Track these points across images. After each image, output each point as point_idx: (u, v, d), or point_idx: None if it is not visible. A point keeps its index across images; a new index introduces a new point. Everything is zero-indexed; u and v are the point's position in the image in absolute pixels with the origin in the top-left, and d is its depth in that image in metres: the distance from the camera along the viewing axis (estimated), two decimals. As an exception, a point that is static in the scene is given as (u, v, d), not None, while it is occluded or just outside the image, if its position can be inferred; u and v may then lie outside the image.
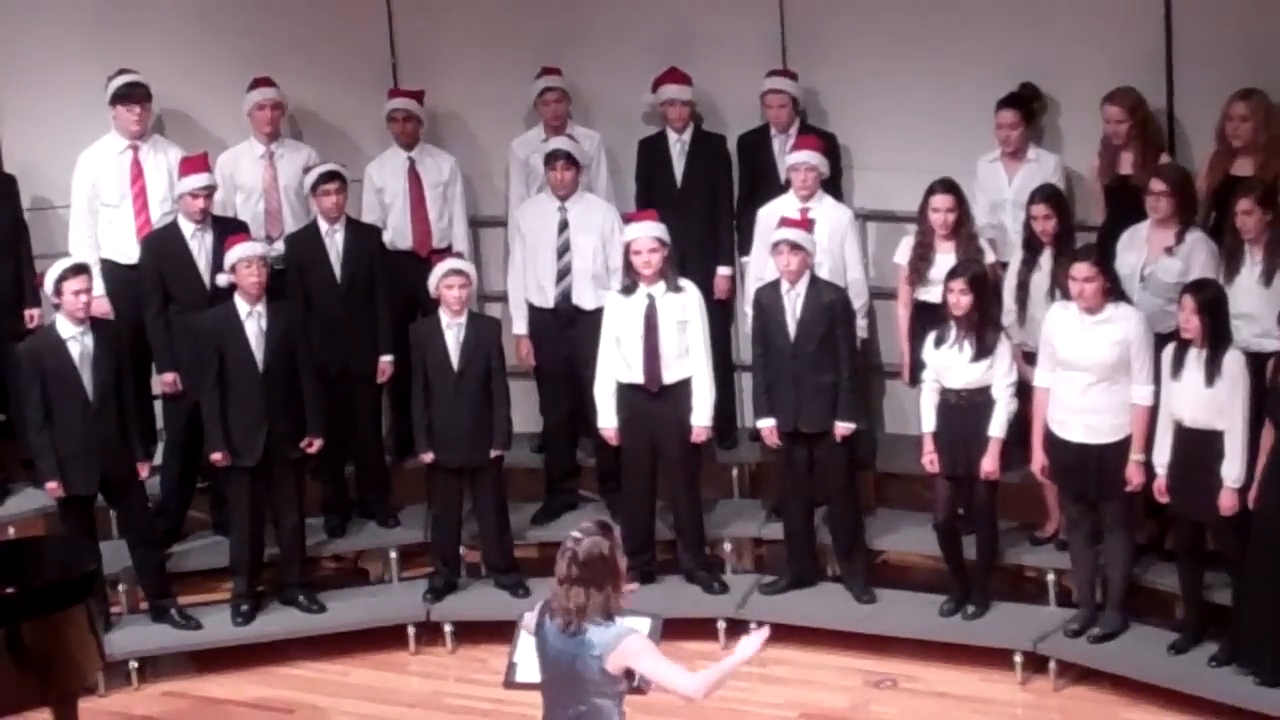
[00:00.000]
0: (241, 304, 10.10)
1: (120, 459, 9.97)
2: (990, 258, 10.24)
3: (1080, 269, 9.46)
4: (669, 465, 10.31)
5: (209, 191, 10.52)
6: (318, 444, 10.29)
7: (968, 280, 9.72)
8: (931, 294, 10.18)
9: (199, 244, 10.49)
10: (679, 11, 11.33)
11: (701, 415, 10.23)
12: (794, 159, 10.49)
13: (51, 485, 9.94)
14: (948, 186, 10.22)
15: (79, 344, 9.84)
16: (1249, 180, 9.64)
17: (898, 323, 10.60)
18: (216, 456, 10.15)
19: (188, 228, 10.51)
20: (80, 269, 9.87)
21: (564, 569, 6.82)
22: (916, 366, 10.17)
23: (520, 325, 10.97)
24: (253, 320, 10.10)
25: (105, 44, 11.09)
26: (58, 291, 9.79)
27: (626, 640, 6.82)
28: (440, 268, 10.32)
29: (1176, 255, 9.71)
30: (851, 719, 9.70)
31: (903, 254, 10.47)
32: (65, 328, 9.84)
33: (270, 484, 10.24)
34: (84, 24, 11.18)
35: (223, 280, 10.31)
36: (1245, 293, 9.42)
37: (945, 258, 10.18)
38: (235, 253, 10.09)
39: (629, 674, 6.90)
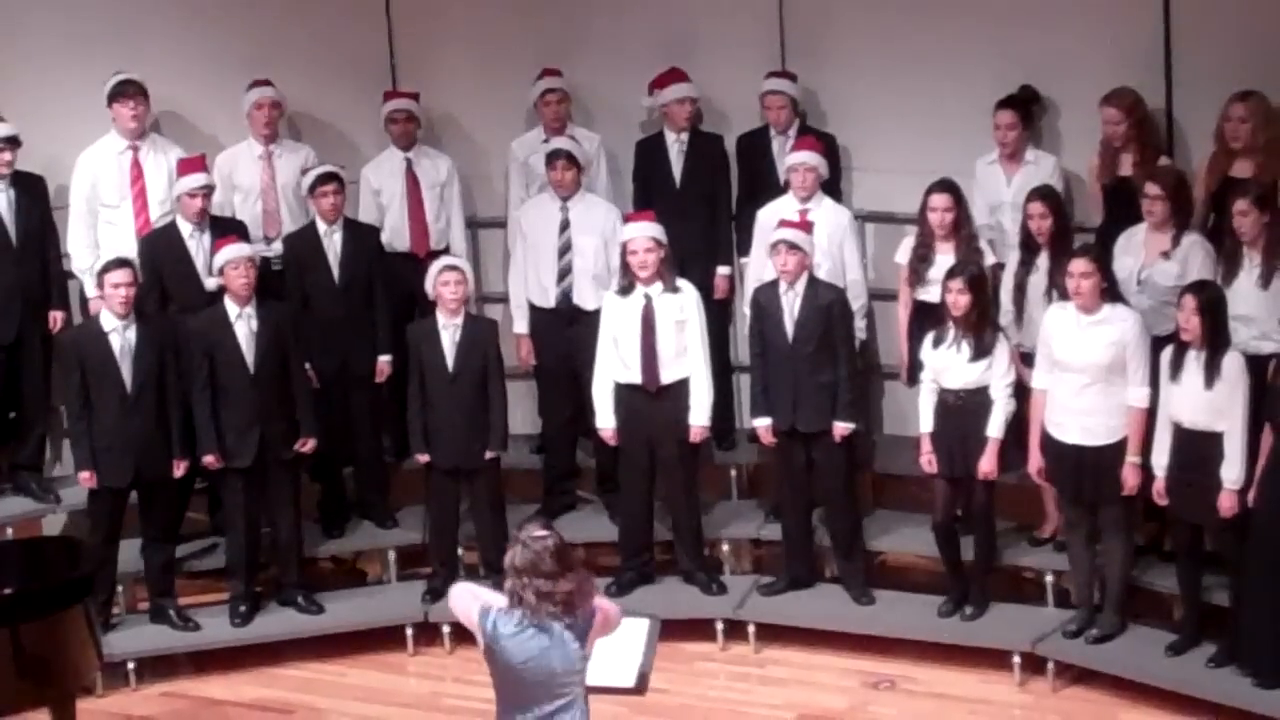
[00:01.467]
0: (231, 306, 10.10)
1: (156, 454, 10.01)
2: (990, 259, 10.23)
3: (1078, 264, 9.45)
4: (667, 466, 10.31)
5: (207, 191, 10.52)
6: (311, 444, 10.30)
7: (966, 280, 9.73)
8: (931, 294, 10.18)
9: (197, 244, 10.48)
10: (678, 13, 11.33)
11: (699, 415, 10.23)
12: (793, 159, 10.49)
13: (84, 475, 9.99)
14: (945, 186, 10.23)
15: (120, 337, 9.90)
16: (1245, 182, 9.64)
17: (898, 323, 10.60)
18: (209, 459, 10.15)
19: (186, 228, 10.51)
20: (123, 262, 9.97)
21: (552, 564, 6.82)
22: (915, 367, 10.17)
23: (521, 325, 10.98)
24: (242, 322, 10.09)
25: (105, 46, 11.07)
26: (99, 284, 9.92)
27: (596, 620, 6.92)
28: (435, 266, 10.33)
29: (1173, 258, 9.70)
30: (850, 720, 9.73)
31: (903, 254, 10.47)
32: (108, 320, 9.93)
33: (265, 485, 10.25)
34: (84, 27, 11.16)
35: (211, 284, 10.31)
36: (1244, 295, 9.40)
37: (945, 258, 10.18)
38: (223, 255, 10.09)
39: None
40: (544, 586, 6.83)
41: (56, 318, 10.68)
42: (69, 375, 9.98)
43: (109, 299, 9.90)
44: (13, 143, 10.58)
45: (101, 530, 10.06)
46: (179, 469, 10.10)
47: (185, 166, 10.55)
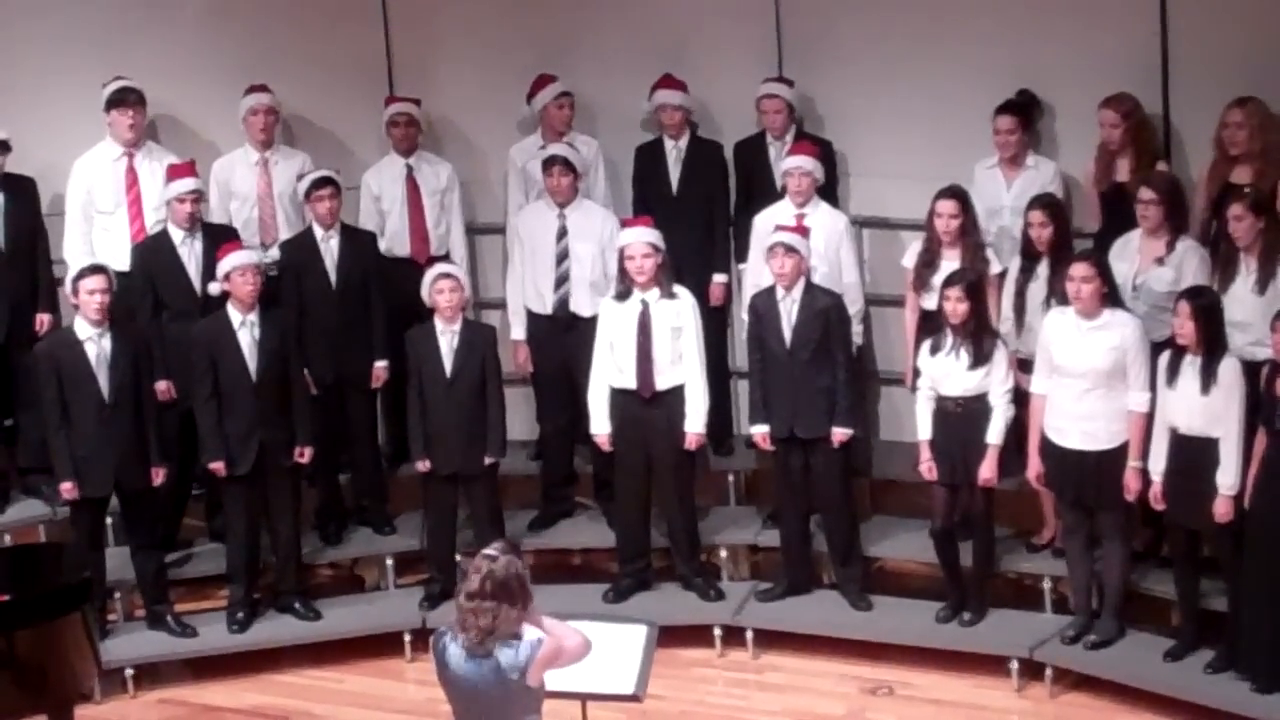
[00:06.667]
0: (234, 313, 10.09)
1: (135, 462, 9.98)
2: (996, 267, 10.21)
3: (1079, 268, 9.44)
4: (662, 472, 10.30)
5: (196, 197, 10.50)
6: (309, 453, 10.29)
7: (964, 288, 9.71)
8: (935, 301, 10.14)
9: (189, 250, 10.47)
10: (676, 18, 11.33)
11: (695, 422, 10.23)
12: (789, 164, 10.49)
13: (66, 486, 9.94)
14: (952, 193, 10.18)
15: (96, 345, 9.86)
16: (1240, 187, 9.63)
17: (903, 328, 10.58)
18: (216, 466, 10.14)
19: (177, 235, 10.49)
20: (97, 269, 9.92)
21: (477, 585, 6.83)
22: (919, 372, 10.15)
23: (519, 331, 10.97)
24: (246, 330, 10.08)
25: (103, 51, 11.08)
26: (74, 291, 9.86)
27: (540, 652, 6.84)
28: (430, 273, 10.32)
29: (1168, 264, 9.69)
30: (847, 726, 9.72)
31: (910, 259, 10.45)
32: (83, 328, 9.88)
33: (265, 492, 10.24)
34: (82, 31, 11.17)
35: (214, 289, 10.29)
36: (1240, 301, 9.39)
37: (950, 264, 10.15)
38: (230, 261, 10.07)
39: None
40: (471, 612, 6.82)
41: (44, 321, 10.65)
42: (46, 386, 9.89)
43: (84, 306, 9.83)
44: (3, 147, 10.58)
45: (85, 539, 10.02)
46: (158, 477, 10.08)
47: (174, 172, 10.52)
